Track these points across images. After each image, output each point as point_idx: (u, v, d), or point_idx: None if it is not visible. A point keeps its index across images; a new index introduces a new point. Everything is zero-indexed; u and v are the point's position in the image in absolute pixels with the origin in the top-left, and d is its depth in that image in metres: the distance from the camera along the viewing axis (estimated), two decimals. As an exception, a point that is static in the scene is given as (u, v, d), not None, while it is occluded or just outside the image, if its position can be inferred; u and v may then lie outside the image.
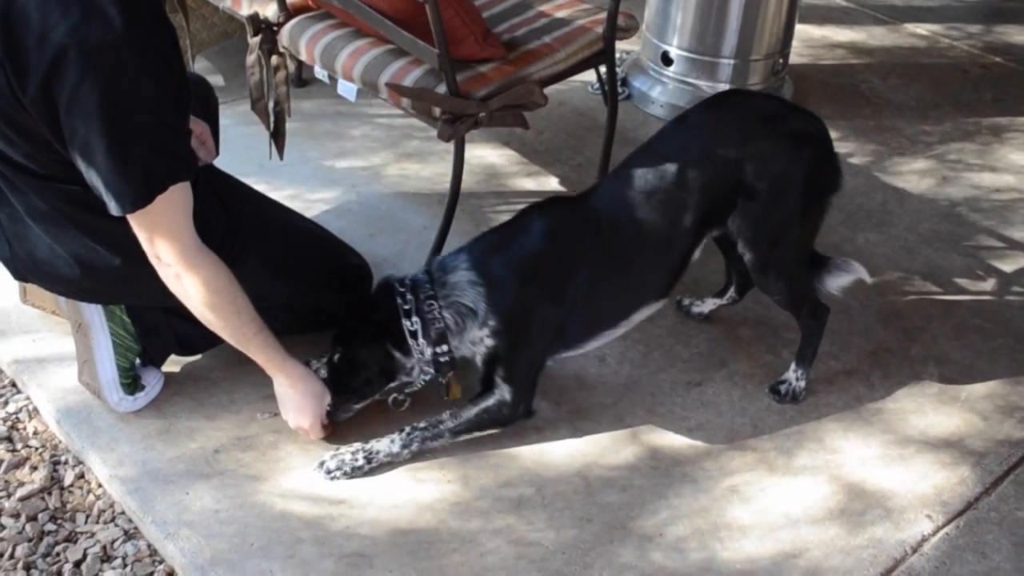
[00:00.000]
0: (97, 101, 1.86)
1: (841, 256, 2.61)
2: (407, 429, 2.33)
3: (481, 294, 2.29)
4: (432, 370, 2.36)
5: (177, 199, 2.02)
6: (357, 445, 2.32)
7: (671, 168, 2.33)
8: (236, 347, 2.25)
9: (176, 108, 2.02)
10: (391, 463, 2.33)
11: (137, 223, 2.03)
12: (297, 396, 2.30)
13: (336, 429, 2.38)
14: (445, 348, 2.32)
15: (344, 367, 2.35)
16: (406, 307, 2.30)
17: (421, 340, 2.30)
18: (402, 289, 2.31)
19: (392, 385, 2.40)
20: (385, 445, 2.32)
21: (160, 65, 1.94)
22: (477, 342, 2.33)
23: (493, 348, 2.32)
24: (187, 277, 2.08)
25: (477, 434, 2.37)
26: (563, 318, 2.36)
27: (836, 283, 2.54)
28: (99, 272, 2.21)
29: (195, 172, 2.09)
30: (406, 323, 2.29)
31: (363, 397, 2.38)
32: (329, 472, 2.29)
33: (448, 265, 2.34)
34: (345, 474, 2.29)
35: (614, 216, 2.35)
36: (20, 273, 2.40)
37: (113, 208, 1.98)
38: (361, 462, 2.30)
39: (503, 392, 2.34)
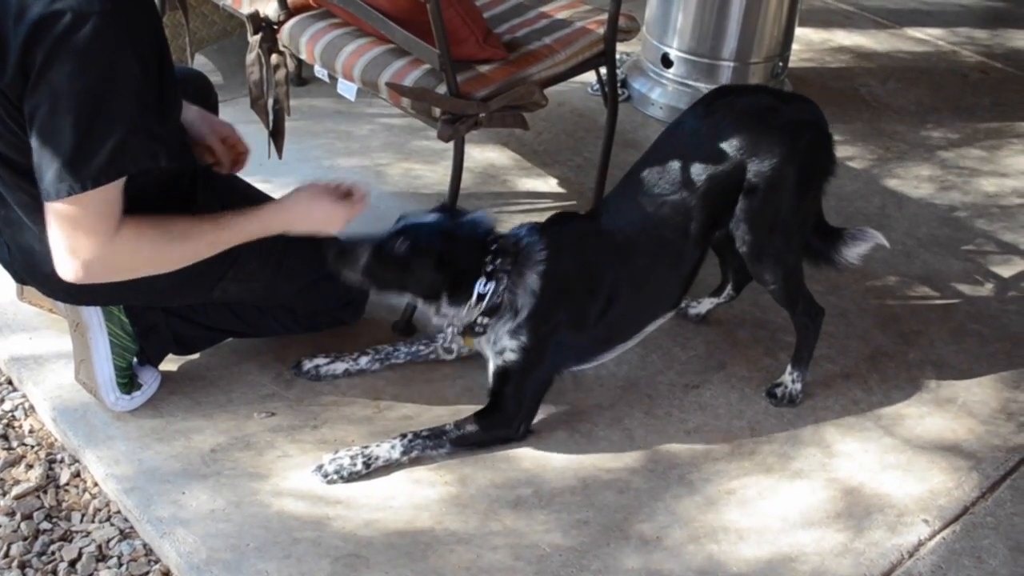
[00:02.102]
0: (71, 71, 1.82)
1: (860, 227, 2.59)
2: (409, 435, 2.33)
3: (531, 305, 2.31)
4: (460, 330, 2.35)
5: (118, 189, 1.95)
6: (356, 449, 2.31)
7: (674, 179, 2.35)
8: (224, 247, 2.17)
9: (159, 94, 1.97)
10: (388, 468, 2.32)
11: (71, 208, 1.92)
12: (305, 218, 2.26)
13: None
14: (486, 322, 2.32)
15: (399, 252, 2.26)
16: (488, 268, 2.28)
17: (480, 305, 2.29)
18: (495, 250, 2.29)
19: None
20: (385, 451, 2.31)
21: (143, 47, 1.90)
22: (500, 347, 2.35)
23: (512, 363, 2.34)
24: (113, 261, 2.00)
25: (477, 451, 2.37)
26: (583, 342, 2.40)
27: (854, 252, 2.53)
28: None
29: (182, 158, 2.04)
30: (479, 282, 2.28)
31: (382, 288, 2.35)
32: (327, 476, 2.28)
33: (529, 255, 2.33)
34: (342, 478, 2.28)
35: (628, 235, 2.37)
36: (19, 276, 2.39)
37: (61, 189, 1.87)
38: (359, 467, 2.29)
39: (508, 411, 2.37)
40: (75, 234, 1.95)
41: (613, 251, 2.37)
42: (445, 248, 2.27)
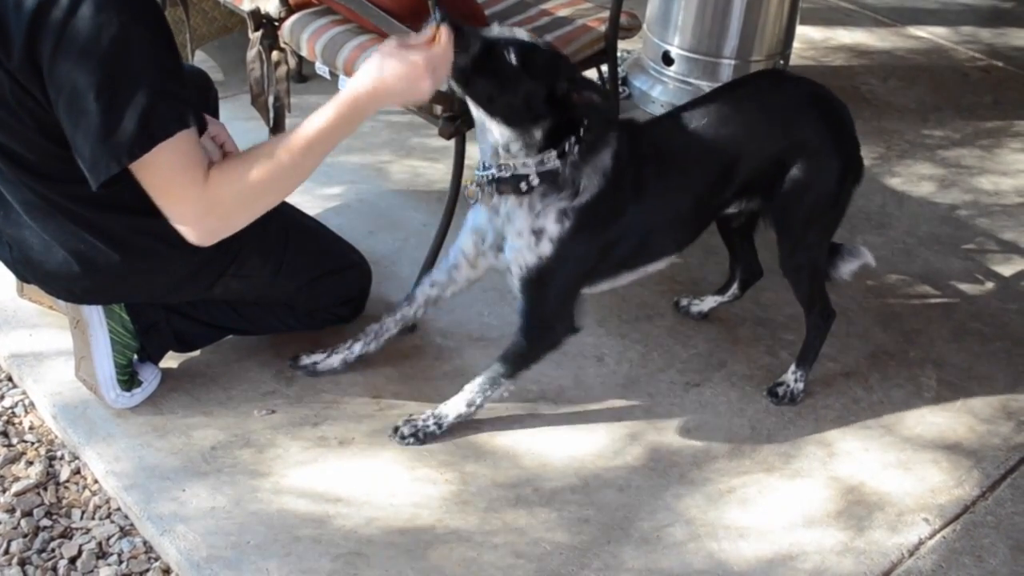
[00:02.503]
0: (82, 47, 1.79)
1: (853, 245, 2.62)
2: (466, 388, 2.36)
3: (596, 186, 2.17)
4: (506, 175, 2.15)
5: (184, 147, 1.90)
6: (428, 411, 2.37)
7: (730, 124, 2.33)
8: (321, 160, 2.04)
9: (174, 56, 1.93)
10: (457, 424, 2.38)
11: (147, 178, 1.91)
12: (388, 84, 1.96)
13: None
14: (537, 183, 2.14)
15: (505, 59, 2.03)
16: (575, 136, 2.12)
17: (551, 160, 2.12)
18: (603, 118, 2.16)
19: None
20: (451, 407, 2.37)
21: (145, 10, 1.87)
22: (539, 227, 2.18)
23: (539, 264, 2.20)
24: (220, 209, 1.96)
25: (534, 367, 2.36)
26: (611, 249, 2.28)
27: (847, 268, 2.55)
28: (98, 269, 2.19)
29: (202, 122, 1.97)
30: (568, 141, 2.11)
31: (469, 87, 2.07)
32: (403, 438, 2.35)
33: (605, 137, 2.18)
34: (418, 440, 2.35)
35: (674, 152, 2.31)
36: (21, 274, 2.39)
37: (100, 170, 1.85)
38: (432, 427, 2.36)
39: (546, 320, 2.30)
40: (168, 199, 1.94)
41: (658, 162, 2.28)
42: (567, 88, 2.07)
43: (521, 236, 2.22)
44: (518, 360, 2.34)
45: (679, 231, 2.41)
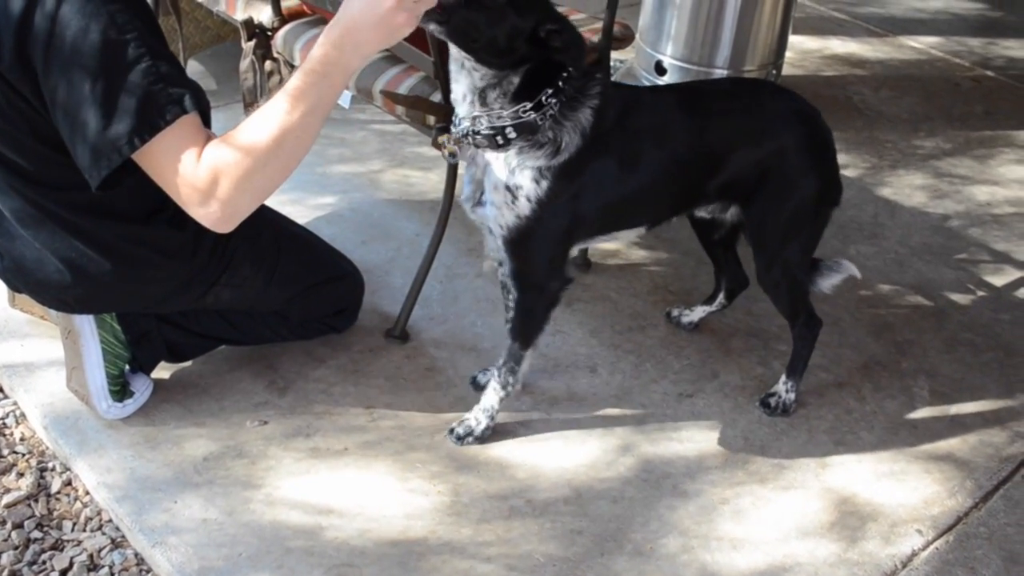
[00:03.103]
0: (72, 42, 1.79)
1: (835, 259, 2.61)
2: (493, 374, 2.39)
3: (575, 145, 2.12)
4: (484, 129, 2.09)
5: (186, 132, 1.85)
6: (476, 408, 2.42)
7: (721, 115, 2.33)
8: (329, 105, 1.93)
9: (162, 42, 1.91)
10: (502, 410, 2.42)
11: (148, 169, 1.89)
12: (358, 18, 1.82)
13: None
14: (514, 136, 2.08)
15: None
16: (553, 88, 2.06)
17: (523, 106, 2.06)
18: (570, 77, 2.09)
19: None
20: (492, 396, 2.40)
21: (136, 3, 1.86)
22: (515, 183, 2.13)
23: (518, 223, 2.16)
24: (232, 179, 1.86)
25: (547, 328, 2.35)
26: (591, 208, 2.24)
27: (828, 283, 2.54)
28: (90, 278, 2.18)
29: (205, 105, 1.91)
30: (545, 93, 2.05)
31: (442, 20, 1.92)
32: (460, 439, 2.41)
33: (586, 90, 2.13)
34: (476, 439, 2.41)
35: (657, 122, 2.28)
36: (12, 283, 2.39)
37: (102, 165, 1.83)
38: (485, 421, 2.41)
39: (535, 281, 2.28)
40: (176, 184, 1.88)
41: (646, 130, 2.25)
42: (550, 29, 2.00)
43: (497, 191, 2.16)
44: (526, 329, 2.34)
45: (654, 203, 2.37)
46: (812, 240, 2.45)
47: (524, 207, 2.16)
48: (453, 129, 2.18)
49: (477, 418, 2.41)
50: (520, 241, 2.21)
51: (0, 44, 1.84)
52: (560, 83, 2.09)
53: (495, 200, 2.18)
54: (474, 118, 2.10)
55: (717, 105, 2.36)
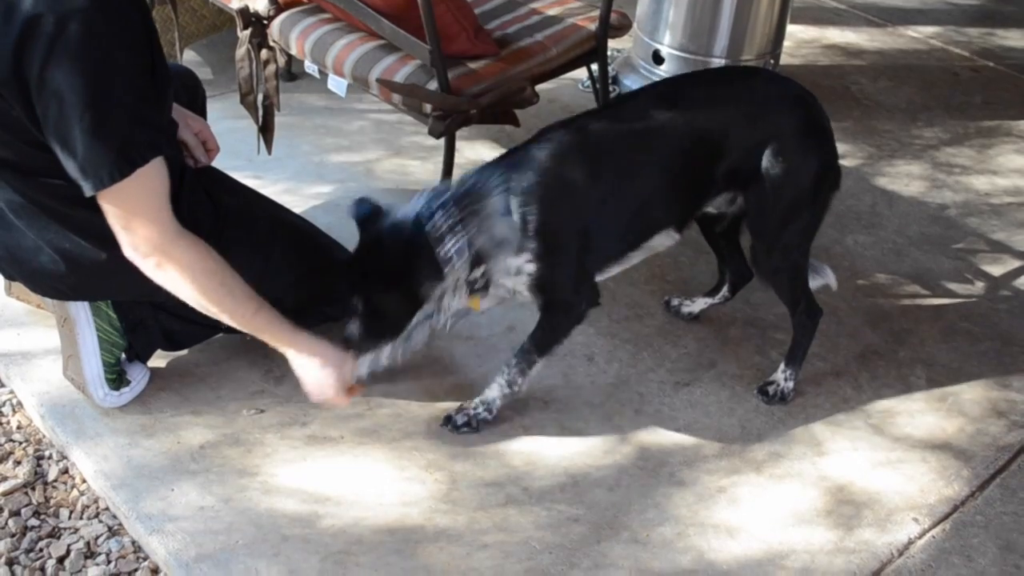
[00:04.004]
0: (68, 71, 1.82)
1: (821, 260, 2.63)
2: (503, 370, 2.38)
3: (517, 221, 2.21)
4: (465, 298, 2.28)
5: (155, 176, 1.96)
6: (476, 400, 2.40)
7: (707, 106, 2.34)
8: (241, 329, 2.19)
9: (152, 82, 1.97)
10: (503, 406, 2.41)
11: (113, 203, 1.95)
12: (315, 368, 2.23)
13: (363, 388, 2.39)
14: (481, 271, 2.24)
15: (372, 315, 2.23)
16: (438, 233, 2.15)
17: (457, 265, 2.18)
18: (429, 214, 2.18)
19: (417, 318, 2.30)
20: (496, 391, 2.39)
21: (133, 35, 1.90)
22: (516, 271, 2.27)
23: (537, 274, 2.26)
24: (169, 264, 2.02)
25: (565, 341, 2.39)
26: (592, 225, 2.31)
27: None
28: (84, 267, 2.18)
29: (174, 148, 2.02)
30: (440, 250, 2.14)
31: (394, 336, 2.29)
32: (457, 427, 2.40)
33: (480, 188, 2.23)
34: (472, 428, 2.39)
35: (631, 132, 2.32)
36: (7, 272, 2.38)
37: (88, 187, 1.90)
38: (483, 414, 2.40)
39: (565, 302, 2.34)
40: (129, 226, 1.98)
41: (617, 137, 2.31)
42: (387, 262, 2.18)
43: (513, 282, 2.30)
44: (548, 338, 2.37)
45: (659, 207, 2.40)
46: (812, 226, 2.45)
47: (530, 268, 2.26)
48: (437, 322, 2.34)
49: (476, 409, 2.41)
50: (541, 284, 2.30)
51: None
52: (442, 224, 2.17)
53: (509, 283, 2.30)
54: (447, 303, 2.27)
55: (706, 93, 2.36)
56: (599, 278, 2.42)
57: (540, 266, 2.26)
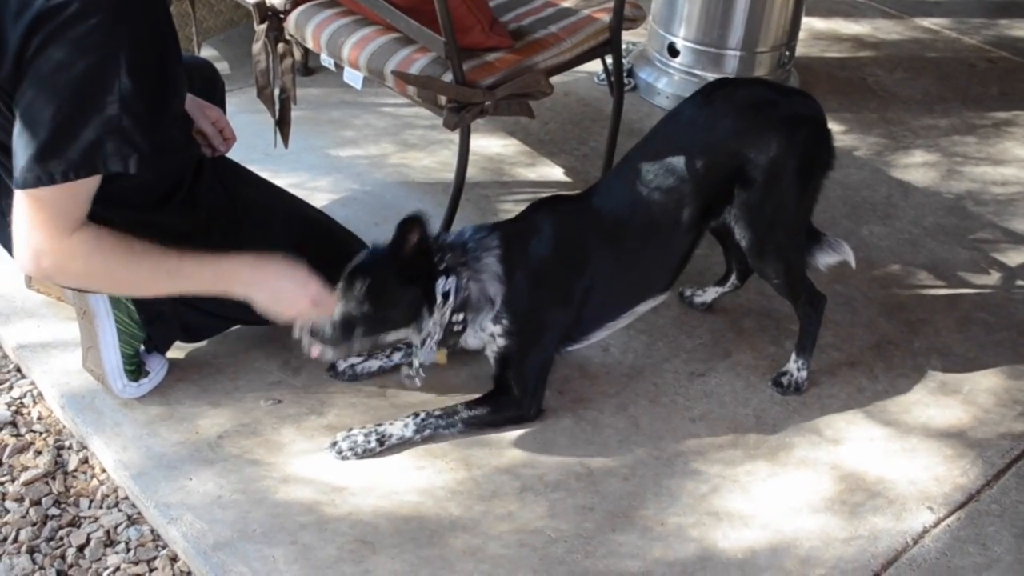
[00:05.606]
0: (58, 62, 1.80)
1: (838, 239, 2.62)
2: (421, 415, 2.35)
3: (501, 290, 2.31)
4: (440, 337, 2.32)
5: (88, 189, 1.92)
6: (371, 427, 2.33)
7: (669, 165, 2.35)
8: (188, 292, 2.13)
9: (162, 82, 1.95)
10: (401, 446, 2.34)
11: (35, 198, 1.88)
12: (272, 283, 2.13)
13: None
14: (461, 318, 2.31)
15: (368, 296, 2.21)
16: (442, 266, 2.26)
17: (449, 302, 2.27)
18: (445, 246, 2.29)
19: (389, 341, 2.40)
20: (398, 428, 2.33)
21: (139, 49, 1.87)
22: (488, 336, 2.36)
23: (505, 348, 2.36)
24: (63, 262, 1.96)
25: (489, 431, 2.39)
26: (572, 318, 2.40)
27: (824, 260, 2.57)
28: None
29: (189, 144, 1.98)
30: (440, 282, 2.26)
31: (369, 333, 2.27)
32: (340, 452, 2.30)
33: (483, 244, 2.32)
34: (356, 455, 2.30)
35: (618, 215, 2.38)
36: (26, 265, 2.40)
37: (30, 178, 1.84)
38: (373, 444, 2.31)
39: (515, 393, 2.38)
40: (32, 225, 1.92)
41: (597, 230, 2.37)
42: (393, 268, 2.23)
43: (485, 345, 2.40)
44: (480, 422, 2.38)
45: (649, 279, 2.48)
46: (801, 219, 2.46)
47: (502, 341, 2.36)
48: (413, 361, 2.42)
49: (368, 438, 2.32)
50: (506, 359, 2.38)
51: (4, 55, 1.84)
52: (443, 260, 2.27)
53: (481, 341, 2.40)
54: (424, 341, 2.33)
55: (668, 151, 2.36)
56: (581, 345, 2.50)
57: (510, 343, 2.34)
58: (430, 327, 2.30)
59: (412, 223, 2.18)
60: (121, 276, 2.05)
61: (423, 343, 2.34)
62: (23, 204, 1.91)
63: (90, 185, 1.92)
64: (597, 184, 2.51)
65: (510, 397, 2.39)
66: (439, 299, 2.26)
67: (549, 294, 2.36)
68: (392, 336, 2.35)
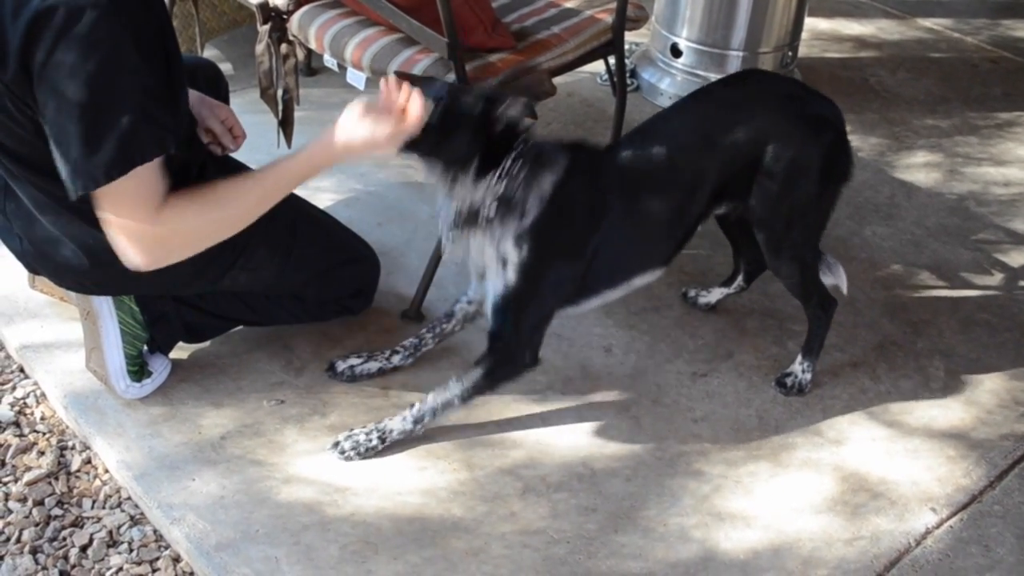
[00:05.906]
0: (72, 62, 1.79)
1: (834, 255, 2.62)
2: (416, 404, 2.33)
3: (536, 210, 2.20)
4: (469, 210, 2.20)
5: (149, 173, 1.92)
6: (371, 426, 2.33)
7: (694, 136, 2.33)
8: (277, 194, 2.13)
9: (168, 81, 1.95)
10: (404, 441, 2.34)
11: (103, 201, 1.93)
12: (346, 138, 2.12)
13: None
14: (493, 212, 2.18)
15: (441, 116, 2.11)
16: (515, 153, 2.16)
17: (498, 182, 2.16)
18: (524, 139, 2.19)
19: (433, 177, 2.22)
20: (398, 423, 2.32)
21: (142, 33, 1.86)
22: (503, 252, 2.23)
23: (507, 290, 2.24)
24: (166, 241, 1.99)
25: (489, 395, 2.34)
26: (579, 274, 2.32)
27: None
28: (107, 264, 2.18)
29: (190, 144, 1.98)
30: (507, 160, 2.15)
31: (426, 152, 2.17)
32: (343, 453, 2.30)
33: (548, 160, 2.22)
34: (359, 455, 2.30)
35: (637, 175, 2.33)
36: (31, 266, 2.41)
37: (79, 186, 1.86)
38: (375, 442, 2.31)
39: (511, 342, 2.30)
40: (117, 224, 1.95)
41: (620, 186, 2.32)
42: (486, 110, 2.13)
43: (491, 265, 2.25)
44: (475, 386, 2.31)
45: (653, 248, 2.42)
46: (819, 221, 2.45)
47: (511, 275, 2.23)
48: (440, 223, 2.28)
49: (369, 436, 2.32)
50: (504, 307, 2.26)
51: (7, 55, 1.83)
52: (519, 148, 2.16)
53: (492, 275, 2.26)
54: (453, 206, 2.20)
55: (698, 123, 2.35)
56: (577, 311, 2.43)
57: (515, 283, 2.24)
58: (467, 194, 2.19)
59: (521, 104, 2.13)
60: (221, 223, 2.07)
61: (449, 213, 2.23)
62: (100, 211, 1.95)
63: (151, 167, 1.92)
64: (622, 140, 2.46)
65: (505, 348, 2.31)
66: (496, 174, 2.15)
67: (566, 239, 2.27)
68: (439, 173, 2.20)
